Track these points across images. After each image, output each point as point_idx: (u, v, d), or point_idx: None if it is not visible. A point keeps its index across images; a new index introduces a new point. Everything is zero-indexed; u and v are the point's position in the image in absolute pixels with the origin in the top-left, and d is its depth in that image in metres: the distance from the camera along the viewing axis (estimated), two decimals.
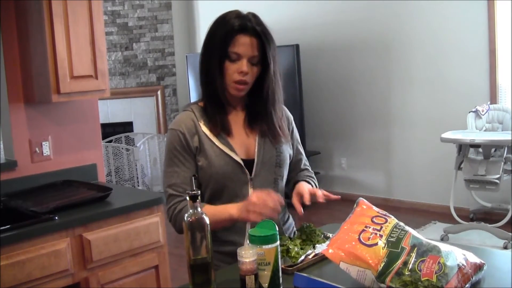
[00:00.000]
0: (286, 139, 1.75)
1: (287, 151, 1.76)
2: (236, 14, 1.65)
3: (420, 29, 5.22)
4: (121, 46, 6.85)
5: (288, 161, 1.77)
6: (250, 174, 1.67)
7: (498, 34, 4.74)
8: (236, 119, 1.71)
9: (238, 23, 1.60)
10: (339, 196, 1.65)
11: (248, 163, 1.67)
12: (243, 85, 1.63)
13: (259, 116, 1.70)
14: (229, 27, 1.60)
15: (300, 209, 1.60)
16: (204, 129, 1.66)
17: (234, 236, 1.68)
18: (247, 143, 1.70)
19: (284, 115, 1.79)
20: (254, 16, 1.67)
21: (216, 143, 1.65)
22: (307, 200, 1.62)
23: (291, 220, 1.87)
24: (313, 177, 1.87)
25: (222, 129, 1.66)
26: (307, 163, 1.91)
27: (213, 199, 1.68)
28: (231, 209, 1.57)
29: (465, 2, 4.88)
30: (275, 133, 1.71)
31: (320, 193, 1.65)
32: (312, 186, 1.79)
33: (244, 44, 1.60)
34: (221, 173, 1.63)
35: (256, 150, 1.68)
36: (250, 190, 1.66)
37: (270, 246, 1.32)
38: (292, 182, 1.83)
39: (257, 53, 1.62)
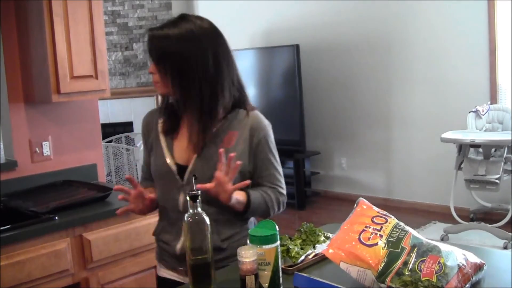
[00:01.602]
0: (241, 151, 1.59)
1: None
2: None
3: (420, 29, 5.22)
4: (121, 46, 6.85)
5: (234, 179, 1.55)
6: (182, 180, 1.61)
7: (498, 34, 4.74)
8: (189, 123, 1.60)
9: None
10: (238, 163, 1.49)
11: (184, 168, 1.61)
12: (155, 83, 1.60)
13: (193, 124, 1.59)
14: None
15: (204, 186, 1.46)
16: (160, 126, 1.69)
17: (167, 237, 1.68)
18: (189, 148, 1.60)
19: (253, 126, 1.62)
20: (167, 20, 1.60)
21: (161, 143, 1.67)
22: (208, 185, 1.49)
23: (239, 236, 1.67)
24: (269, 194, 1.63)
25: (169, 132, 1.66)
26: (277, 178, 1.66)
27: (158, 195, 1.70)
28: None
29: (465, 2, 4.88)
30: (202, 135, 1.58)
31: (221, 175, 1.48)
32: (264, 200, 1.61)
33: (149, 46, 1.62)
34: (157, 173, 1.67)
35: (194, 158, 1.59)
36: (181, 196, 1.61)
37: (270, 246, 1.32)
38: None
39: (149, 53, 1.59)
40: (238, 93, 1.64)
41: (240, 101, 1.64)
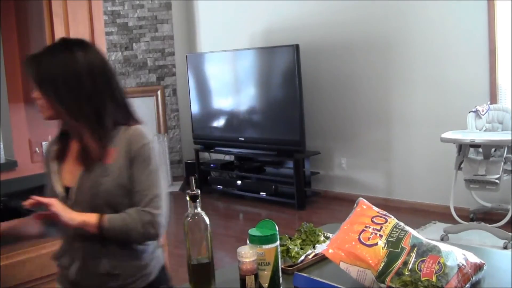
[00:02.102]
0: (121, 167, 1.55)
1: (116, 182, 1.53)
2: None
3: (420, 29, 5.21)
4: (121, 46, 6.85)
5: (116, 193, 1.53)
6: (71, 200, 1.59)
7: (498, 34, 4.74)
8: (81, 142, 1.61)
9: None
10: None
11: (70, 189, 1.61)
12: (40, 108, 1.64)
13: (77, 141, 1.63)
14: None
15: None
16: (52, 154, 1.69)
17: (63, 260, 1.66)
18: (75, 169, 1.61)
19: (128, 140, 1.57)
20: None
21: (51, 168, 1.66)
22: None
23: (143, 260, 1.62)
24: (135, 217, 1.51)
25: (59, 155, 1.66)
26: (155, 201, 1.52)
27: None
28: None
29: (465, 2, 4.88)
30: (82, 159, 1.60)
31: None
32: (123, 223, 1.52)
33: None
34: (50, 197, 1.57)
35: (78, 177, 1.59)
36: None
37: (270, 246, 1.32)
38: None
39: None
40: (122, 110, 1.64)
41: (124, 119, 1.63)
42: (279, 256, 1.36)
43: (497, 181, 4.01)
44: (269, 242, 1.32)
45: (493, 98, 4.80)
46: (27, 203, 1.53)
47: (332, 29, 5.85)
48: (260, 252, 1.32)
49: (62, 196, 1.60)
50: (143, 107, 6.96)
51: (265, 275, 1.33)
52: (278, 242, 1.35)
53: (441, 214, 4.96)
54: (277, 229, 1.36)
